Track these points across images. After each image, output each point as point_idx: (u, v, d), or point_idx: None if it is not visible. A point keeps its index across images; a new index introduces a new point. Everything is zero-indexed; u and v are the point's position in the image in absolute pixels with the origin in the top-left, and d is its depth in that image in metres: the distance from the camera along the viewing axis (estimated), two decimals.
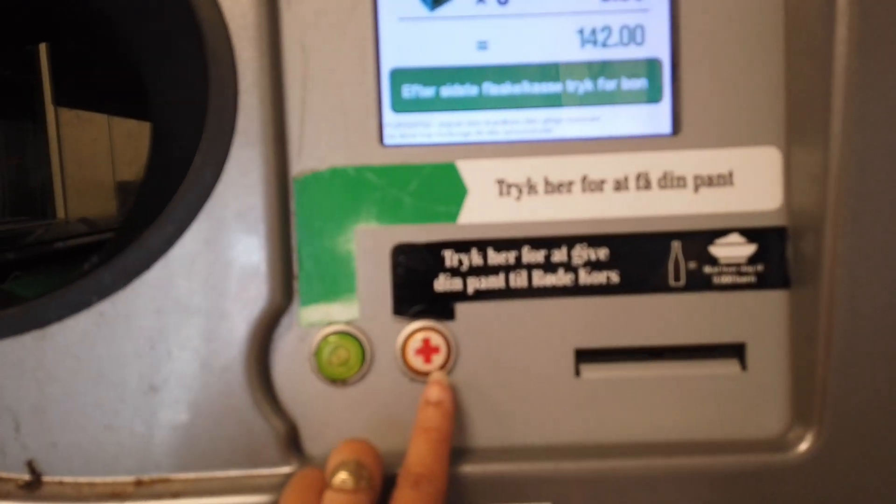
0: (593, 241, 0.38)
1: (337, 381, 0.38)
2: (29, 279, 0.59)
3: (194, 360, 0.37)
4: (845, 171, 0.35)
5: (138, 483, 0.37)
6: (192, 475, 0.37)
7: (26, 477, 0.36)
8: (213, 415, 0.37)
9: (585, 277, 0.38)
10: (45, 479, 0.37)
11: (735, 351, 0.39)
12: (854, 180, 0.35)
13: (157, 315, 0.36)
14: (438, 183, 0.38)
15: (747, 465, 0.38)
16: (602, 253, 0.38)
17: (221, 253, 0.36)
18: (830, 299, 0.36)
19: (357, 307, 0.38)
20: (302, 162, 0.38)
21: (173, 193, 0.36)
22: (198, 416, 0.37)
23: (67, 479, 0.37)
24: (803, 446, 0.37)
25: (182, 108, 0.38)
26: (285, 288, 0.37)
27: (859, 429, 0.37)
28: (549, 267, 0.38)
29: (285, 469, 0.37)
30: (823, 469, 0.37)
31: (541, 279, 0.38)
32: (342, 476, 0.32)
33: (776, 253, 0.38)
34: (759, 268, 0.38)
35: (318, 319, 0.38)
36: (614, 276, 0.38)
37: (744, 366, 0.39)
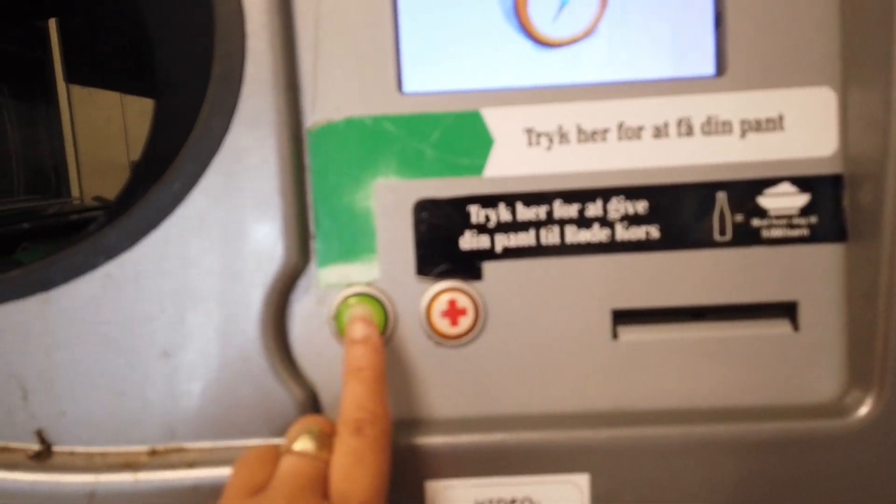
0: (631, 193, 0.36)
1: None
2: (37, 249, 0.58)
3: (208, 324, 0.35)
4: None
5: (152, 453, 0.35)
6: (207, 444, 0.35)
7: (35, 447, 0.35)
8: (229, 381, 0.35)
9: (623, 233, 0.36)
10: (56, 448, 0.35)
11: (786, 310, 0.36)
12: None
13: (166, 276, 0.34)
14: (462, 133, 0.35)
15: (800, 432, 0.35)
16: (641, 206, 0.36)
17: (233, 210, 0.34)
18: (891, 252, 0.33)
19: (377, 267, 0.36)
20: (316, 112, 0.35)
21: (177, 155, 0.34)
22: (213, 383, 0.35)
23: (78, 448, 0.35)
24: (862, 411, 0.35)
25: (187, 56, 0.36)
26: (301, 248, 0.35)
27: None
28: (583, 222, 0.36)
29: None
30: (884, 435, 0.34)
31: (574, 235, 0.36)
32: (304, 441, 0.30)
33: (831, 203, 0.35)
34: (813, 220, 0.35)
35: (336, 280, 0.36)
36: (654, 231, 0.36)
37: (796, 326, 0.36)
